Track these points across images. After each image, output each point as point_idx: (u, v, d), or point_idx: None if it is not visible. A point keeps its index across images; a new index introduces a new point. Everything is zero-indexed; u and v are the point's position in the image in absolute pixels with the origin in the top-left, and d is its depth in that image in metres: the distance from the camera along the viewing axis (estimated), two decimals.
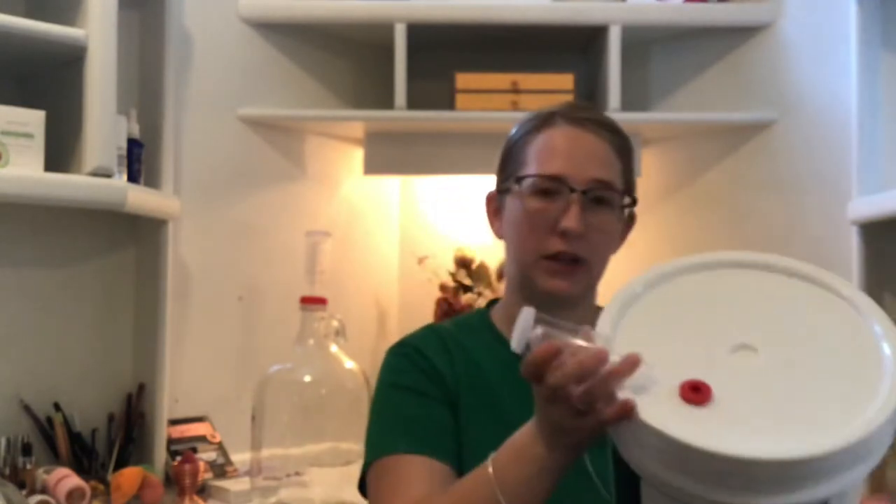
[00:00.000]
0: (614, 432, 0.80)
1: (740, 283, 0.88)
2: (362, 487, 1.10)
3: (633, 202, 1.13)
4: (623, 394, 0.77)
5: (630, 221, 1.17)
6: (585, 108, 1.15)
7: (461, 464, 1.02)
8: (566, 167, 1.06)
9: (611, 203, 1.08)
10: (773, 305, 0.85)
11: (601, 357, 0.79)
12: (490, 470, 0.89)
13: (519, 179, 1.09)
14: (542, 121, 1.11)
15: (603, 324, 0.84)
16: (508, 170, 1.13)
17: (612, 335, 0.83)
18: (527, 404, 0.90)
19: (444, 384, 1.08)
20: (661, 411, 0.76)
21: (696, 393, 0.76)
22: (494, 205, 1.17)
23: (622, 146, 1.12)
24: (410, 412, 1.06)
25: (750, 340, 0.80)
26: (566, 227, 1.04)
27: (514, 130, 1.15)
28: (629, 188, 1.12)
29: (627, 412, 0.77)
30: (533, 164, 1.09)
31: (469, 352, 1.11)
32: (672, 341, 0.80)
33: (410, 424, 1.03)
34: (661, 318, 0.85)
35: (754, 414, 0.76)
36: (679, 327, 0.83)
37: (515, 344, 0.83)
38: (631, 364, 0.79)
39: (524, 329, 0.82)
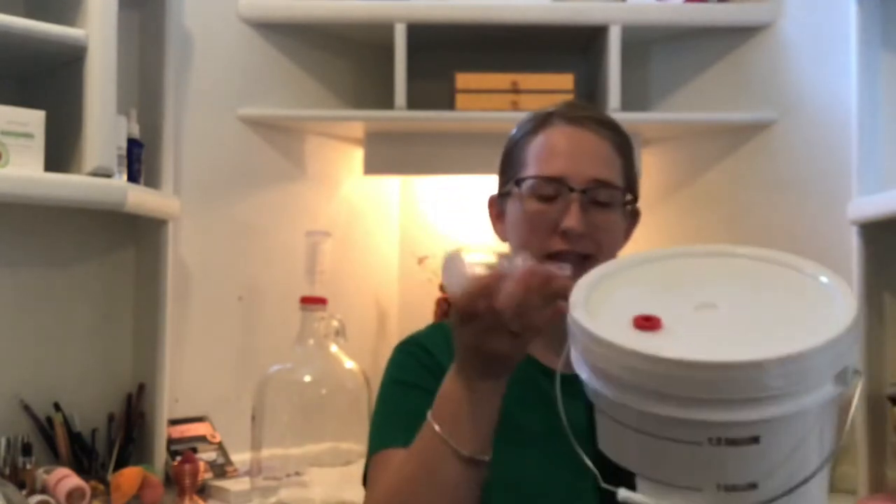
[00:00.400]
0: (573, 355, 0.84)
1: (710, 265, 0.91)
2: (366, 482, 1.10)
3: (635, 199, 1.13)
4: (585, 325, 0.81)
5: (634, 219, 1.17)
6: (583, 107, 1.15)
7: None
8: (565, 167, 1.06)
9: (612, 202, 1.08)
10: (739, 280, 0.88)
11: (538, 271, 0.85)
12: (435, 426, 0.92)
13: (518, 182, 1.09)
14: (540, 122, 1.11)
15: (578, 291, 0.87)
16: (508, 173, 1.13)
17: (585, 299, 0.86)
18: (530, 402, 0.90)
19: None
20: (611, 331, 0.79)
21: (647, 321, 0.79)
22: (496, 208, 1.17)
23: (622, 143, 1.11)
24: (413, 408, 1.06)
25: (712, 300, 0.83)
26: (567, 227, 1.04)
27: (513, 132, 1.15)
28: (631, 185, 1.12)
29: (559, 311, 0.82)
30: (532, 166, 1.09)
31: None
32: (640, 302, 0.82)
33: (412, 420, 1.03)
34: (633, 288, 0.87)
35: (701, 339, 0.78)
36: (649, 294, 0.86)
37: (455, 287, 0.86)
38: (558, 274, 0.85)
39: (459, 268, 0.86)
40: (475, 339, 0.88)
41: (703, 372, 0.73)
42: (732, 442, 0.75)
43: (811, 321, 0.79)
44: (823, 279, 0.84)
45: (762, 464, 0.76)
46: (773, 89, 2.05)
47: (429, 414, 0.93)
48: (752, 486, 0.76)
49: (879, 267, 1.76)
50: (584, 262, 1.03)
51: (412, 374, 1.11)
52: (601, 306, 0.84)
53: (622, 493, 0.80)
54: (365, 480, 1.10)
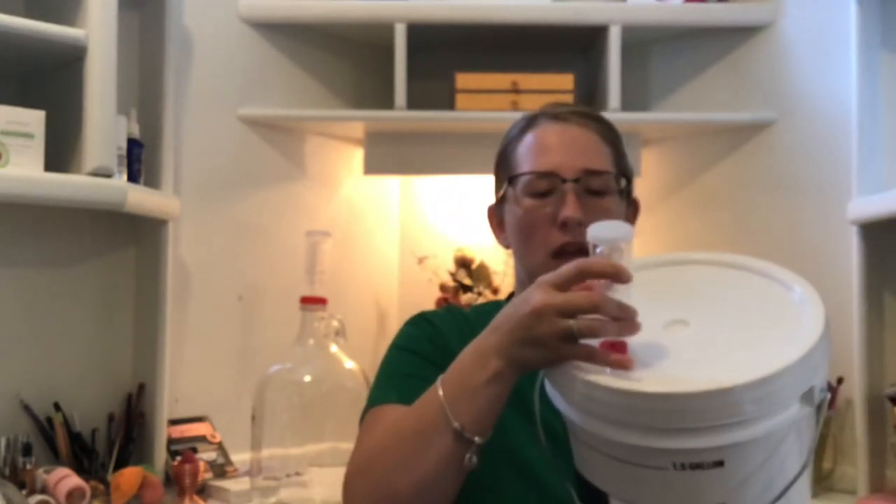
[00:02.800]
0: (549, 383, 0.84)
1: (687, 276, 0.91)
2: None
3: (629, 183, 1.13)
4: None
5: (634, 208, 1.17)
6: (567, 105, 1.17)
7: None
8: (555, 161, 1.08)
9: (607, 189, 1.09)
10: (710, 291, 0.88)
11: (624, 310, 0.81)
12: (440, 391, 0.90)
13: (512, 181, 1.11)
14: (527, 123, 1.14)
15: None
16: (502, 177, 1.15)
17: None
18: (534, 392, 0.90)
19: (451, 356, 1.08)
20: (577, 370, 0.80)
21: (612, 348, 0.79)
22: (496, 217, 1.18)
23: (608, 134, 1.13)
24: (411, 371, 1.07)
25: (684, 317, 0.83)
26: (565, 216, 1.05)
27: (502, 138, 1.17)
28: (624, 173, 1.13)
29: (624, 363, 0.79)
30: (523, 165, 1.10)
31: None
32: None
33: (408, 381, 1.03)
34: None
35: (667, 365, 0.78)
36: None
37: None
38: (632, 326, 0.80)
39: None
40: (541, 311, 0.83)
41: (668, 403, 0.74)
42: (697, 466, 0.75)
43: (778, 338, 0.78)
44: (796, 288, 0.84)
45: (730, 484, 0.77)
46: (773, 89, 2.05)
47: (439, 377, 0.92)
48: None
49: (879, 267, 1.76)
50: (583, 255, 1.04)
51: (417, 343, 1.12)
52: None
53: None
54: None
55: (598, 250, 0.81)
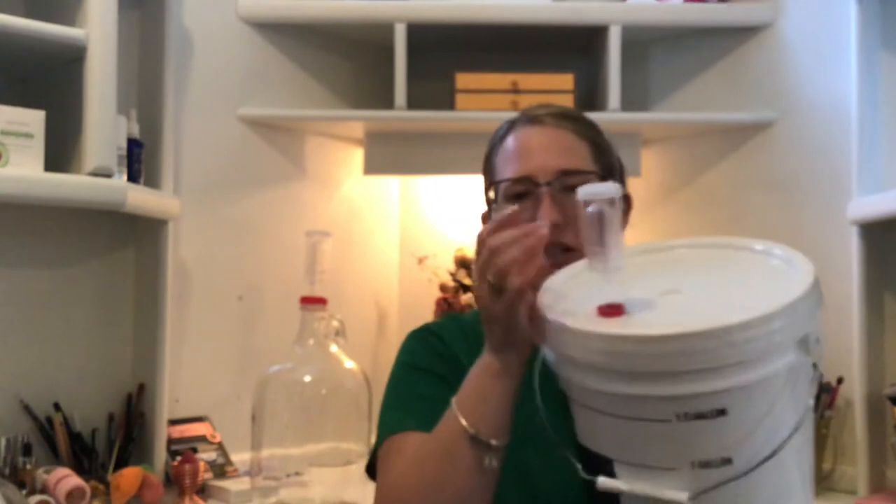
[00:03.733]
0: (547, 353, 0.86)
1: (672, 257, 0.95)
2: (371, 469, 1.10)
3: (613, 177, 1.13)
4: (550, 315, 0.84)
5: (626, 202, 1.18)
6: (544, 106, 1.17)
7: None
8: (530, 165, 1.08)
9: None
10: (701, 266, 0.91)
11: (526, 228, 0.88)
12: (454, 405, 0.94)
13: (492, 189, 1.13)
14: (505, 129, 1.15)
15: (555, 278, 0.91)
16: (486, 184, 1.17)
17: (563, 287, 0.90)
18: (540, 394, 0.91)
19: (461, 369, 1.08)
20: (575, 319, 0.81)
21: (610, 309, 0.81)
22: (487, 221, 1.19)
23: (586, 131, 1.13)
24: (424, 392, 1.07)
25: (675, 287, 0.86)
26: (540, 220, 1.05)
27: (487, 144, 1.18)
28: (607, 168, 1.13)
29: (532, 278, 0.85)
30: (502, 171, 1.12)
31: (478, 344, 1.11)
32: (604, 295, 0.84)
33: (423, 404, 1.04)
34: (596, 284, 0.88)
35: (664, 318, 0.80)
36: (613, 287, 0.87)
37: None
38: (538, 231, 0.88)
39: None
40: (477, 294, 0.91)
41: (665, 344, 0.74)
42: (700, 416, 0.75)
43: (769, 291, 0.80)
44: (777, 251, 0.86)
45: (732, 436, 0.77)
46: (773, 89, 2.05)
47: (453, 399, 0.95)
48: (727, 461, 0.77)
49: (879, 267, 1.76)
50: (567, 255, 1.04)
51: (425, 359, 1.12)
52: (567, 301, 0.86)
53: (601, 481, 0.81)
54: (370, 466, 1.11)
55: (588, 209, 0.83)
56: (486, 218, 1.20)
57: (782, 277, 0.83)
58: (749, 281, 0.86)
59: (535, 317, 0.87)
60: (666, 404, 0.76)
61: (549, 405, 0.89)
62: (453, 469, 0.93)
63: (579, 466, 0.85)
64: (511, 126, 1.15)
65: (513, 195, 1.09)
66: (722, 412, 0.75)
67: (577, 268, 0.93)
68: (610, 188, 0.82)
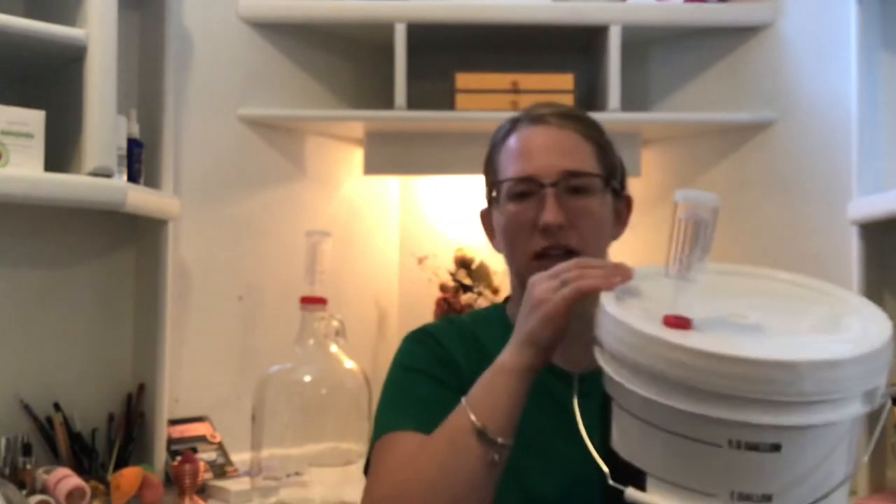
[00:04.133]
0: (597, 351, 0.84)
1: (747, 283, 0.93)
2: (368, 469, 1.10)
3: (615, 182, 1.13)
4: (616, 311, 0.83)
5: (626, 203, 1.17)
6: (547, 105, 1.16)
7: None
8: (534, 165, 1.08)
9: (589, 189, 1.09)
10: (775, 297, 0.89)
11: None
12: (464, 400, 0.95)
13: (494, 188, 1.12)
14: (508, 128, 1.14)
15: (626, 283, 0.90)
16: (488, 182, 1.16)
17: (631, 285, 0.89)
18: (535, 398, 0.91)
19: (458, 373, 1.08)
20: (642, 324, 0.79)
21: (677, 320, 0.79)
22: (488, 221, 1.19)
23: (590, 132, 1.13)
24: (421, 394, 1.07)
25: (745, 311, 0.84)
26: (545, 221, 1.05)
27: (489, 143, 1.18)
28: (610, 170, 1.12)
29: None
30: (505, 170, 1.11)
31: (484, 345, 1.12)
32: (672, 307, 0.82)
33: (420, 406, 1.04)
34: (665, 292, 0.87)
35: (732, 339, 0.78)
36: (682, 299, 0.85)
37: None
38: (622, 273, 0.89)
39: None
40: (537, 291, 0.92)
41: (733, 366, 0.72)
42: (753, 447, 0.74)
43: (845, 336, 0.78)
44: (856, 301, 0.85)
45: (780, 475, 0.75)
46: (773, 89, 2.05)
47: (464, 398, 0.96)
48: (767, 498, 0.75)
49: (879, 267, 1.76)
50: (568, 257, 1.04)
51: (423, 362, 1.12)
52: (633, 307, 0.84)
53: (629, 492, 0.80)
54: (367, 467, 1.10)
55: (682, 215, 0.83)
56: (485, 216, 1.20)
57: (857, 324, 0.81)
58: (823, 322, 0.84)
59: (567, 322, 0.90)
60: (720, 428, 0.74)
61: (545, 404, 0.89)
62: (457, 463, 0.93)
63: (608, 473, 0.83)
64: (514, 125, 1.14)
65: (516, 195, 1.09)
66: (776, 447, 0.74)
67: (650, 271, 0.92)
68: (712, 197, 0.82)
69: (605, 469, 0.83)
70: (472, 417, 0.93)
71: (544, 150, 1.09)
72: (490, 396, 0.94)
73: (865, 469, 1.71)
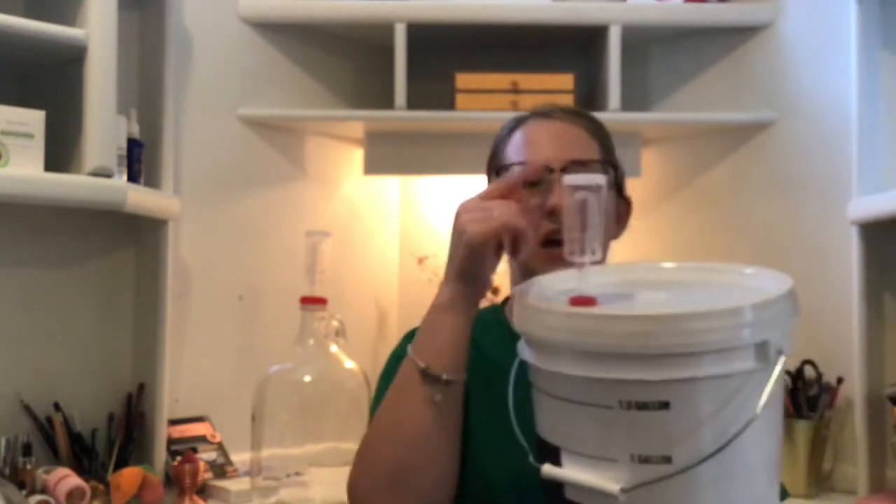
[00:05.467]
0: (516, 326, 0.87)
1: (653, 273, 0.98)
2: None
3: (618, 176, 1.15)
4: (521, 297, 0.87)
5: (626, 204, 1.19)
6: (553, 104, 1.19)
7: (464, 456, 1.03)
8: (544, 153, 1.10)
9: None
10: (691, 282, 0.94)
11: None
12: (409, 347, 0.99)
13: (500, 172, 1.13)
14: (516, 123, 1.17)
15: (543, 277, 0.95)
16: (492, 176, 1.17)
17: (546, 281, 0.93)
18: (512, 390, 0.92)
19: None
20: (545, 303, 0.84)
21: (581, 300, 0.82)
22: None
23: (596, 129, 1.15)
24: None
25: (654, 291, 0.90)
26: (553, 203, 1.06)
27: (493, 141, 1.20)
28: (613, 166, 1.14)
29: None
30: (512, 160, 1.13)
31: (480, 344, 1.12)
32: (588, 288, 0.86)
33: None
34: (576, 282, 0.91)
35: (627, 309, 0.82)
36: (592, 287, 0.89)
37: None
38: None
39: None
40: (460, 218, 0.97)
41: (613, 324, 0.76)
42: (643, 406, 0.76)
43: (729, 294, 0.82)
44: (764, 273, 0.88)
45: (673, 432, 0.76)
46: (773, 89, 2.05)
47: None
48: (667, 459, 0.76)
49: (879, 267, 1.76)
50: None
51: None
52: (544, 292, 0.90)
53: (545, 468, 0.82)
54: None
55: (575, 196, 0.85)
56: None
57: (756, 286, 0.84)
58: (725, 289, 0.87)
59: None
60: (610, 389, 0.76)
61: (518, 403, 0.90)
62: (407, 408, 0.97)
63: (529, 453, 0.85)
64: (520, 122, 1.16)
65: (524, 183, 1.09)
66: (665, 405, 0.75)
67: (569, 273, 0.93)
68: (596, 177, 0.85)
69: (527, 447, 0.86)
70: (415, 359, 0.96)
71: (552, 140, 1.11)
72: (429, 335, 0.98)
73: (865, 469, 1.71)
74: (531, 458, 0.85)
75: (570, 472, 0.81)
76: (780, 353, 0.77)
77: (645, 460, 0.76)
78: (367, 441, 1.01)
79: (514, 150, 1.14)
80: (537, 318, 0.82)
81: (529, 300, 0.85)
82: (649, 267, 0.98)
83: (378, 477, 0.97)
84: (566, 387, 0.80)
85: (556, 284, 0.91)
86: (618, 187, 1.16)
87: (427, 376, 0.96)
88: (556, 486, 0.82)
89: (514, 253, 0.98)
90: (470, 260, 0.96)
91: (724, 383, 0.75)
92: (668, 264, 0.98)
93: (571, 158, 1.08)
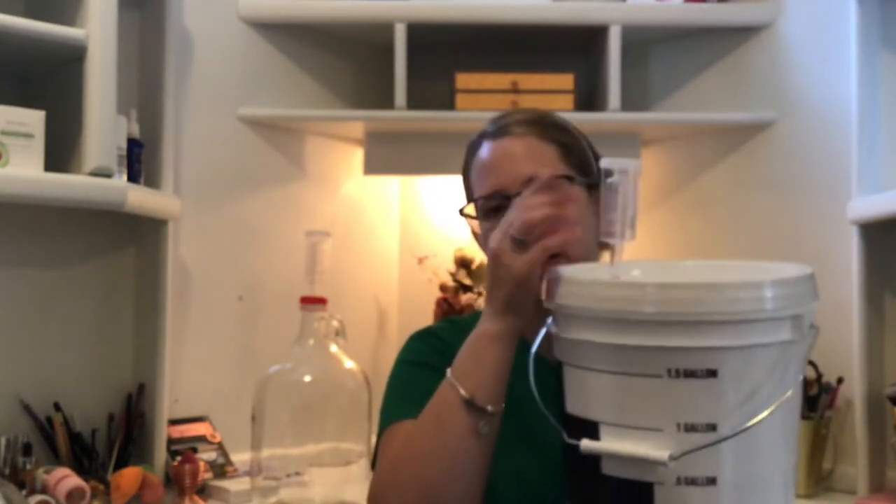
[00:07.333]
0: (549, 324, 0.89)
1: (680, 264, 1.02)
2: (375, 464, 1.12)
3: (590, 178, 1.14)
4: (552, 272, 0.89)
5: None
6: (506, 115, 1.19)
7: None
8: (498, 180, 1.11)
9: (558, 190, 1.08)
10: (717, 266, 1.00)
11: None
12: (449, 373, 0.98)
13: (471, 204, 1.16)
14: (475, 146, 1.17)
15: (567, 267, 0.94)
16: (466, 199, 1.20)
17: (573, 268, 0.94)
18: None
19: None
20: (580, 274, 0.87)
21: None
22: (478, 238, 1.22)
23: (550, 134, 1.14)
24: (424, 385, 1.08)
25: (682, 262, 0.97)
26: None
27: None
28: (581, 166, 1.14)
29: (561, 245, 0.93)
30: (476, 189, 1.15)
31: None
32: (619, 271, 0.90)
33: (423, 396, 1.05)
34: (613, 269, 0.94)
35: (667, 278, 0.84)
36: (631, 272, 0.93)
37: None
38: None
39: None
40: (496, 251, 0.95)
41: (661, 292, 0.77)
42: (691, 373, 0.77)
43: (764, 272, 0.86)
44: (785, 265, 0.91)
45: (720, 400, 0.78)
46: (773, 89, 2.05)
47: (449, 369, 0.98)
48: (712, 427, 0.78)
49: (879, 267, 1.76)
50: (552, 261, 1.02)
51: (425, 355, 1.14)
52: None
53: (584, 443, 0.82)
54: (374, 462, 1.12)
55: (608, 181, 0.87)
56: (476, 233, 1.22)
57: (775, 269, 0.88)
58: (759, 272, 0.90)
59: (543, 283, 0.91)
60: (657, 357, 0.78)
61: (543, 396, 0.90)
62: (446, 435, 0.95)
63: (562, 432, 0.85)
64: (477, 144, 1.17)
65: (489, 210, 1.12)
66: (713, 373, 0.77)
67: (594, 265, 0.97)
68: (627, 161, 0.87)
69: (560, 428, 0.85)
70: (459, 389, 0.95)
71: (505, 163, 1.12)
72: (475, 366, 0.96)
73: (865, 469, 1.71)
74: (565, 436, 0.84)
75: (612, 443, 0.81)
76: (812, 326, 0.81)
77: (691, 428, 0.78)
78: (401, 458, 1.00)
79: (477, 178, 1.15)
80: (585, 290, 0.83)
81: (564, 272, 0.86)
82: (669, 265, 1.01)
83: (408, 494, 0.97)
84: (610, 359, 0.81)
85: (584, 274, 0.92)
86: (590, 182, 1.14)
87: (471, 406, 0.95)
88: (590, 465, 0.82)
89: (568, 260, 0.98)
90: (522, 292, 0.94)
91: (768, 352, 0.79)
92: (688, 262, 1.01)
93: (529, 175, 1.07)
